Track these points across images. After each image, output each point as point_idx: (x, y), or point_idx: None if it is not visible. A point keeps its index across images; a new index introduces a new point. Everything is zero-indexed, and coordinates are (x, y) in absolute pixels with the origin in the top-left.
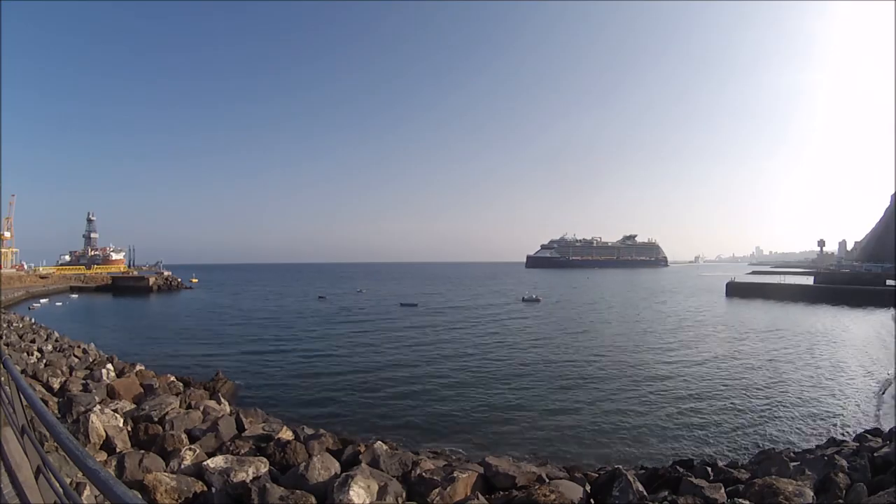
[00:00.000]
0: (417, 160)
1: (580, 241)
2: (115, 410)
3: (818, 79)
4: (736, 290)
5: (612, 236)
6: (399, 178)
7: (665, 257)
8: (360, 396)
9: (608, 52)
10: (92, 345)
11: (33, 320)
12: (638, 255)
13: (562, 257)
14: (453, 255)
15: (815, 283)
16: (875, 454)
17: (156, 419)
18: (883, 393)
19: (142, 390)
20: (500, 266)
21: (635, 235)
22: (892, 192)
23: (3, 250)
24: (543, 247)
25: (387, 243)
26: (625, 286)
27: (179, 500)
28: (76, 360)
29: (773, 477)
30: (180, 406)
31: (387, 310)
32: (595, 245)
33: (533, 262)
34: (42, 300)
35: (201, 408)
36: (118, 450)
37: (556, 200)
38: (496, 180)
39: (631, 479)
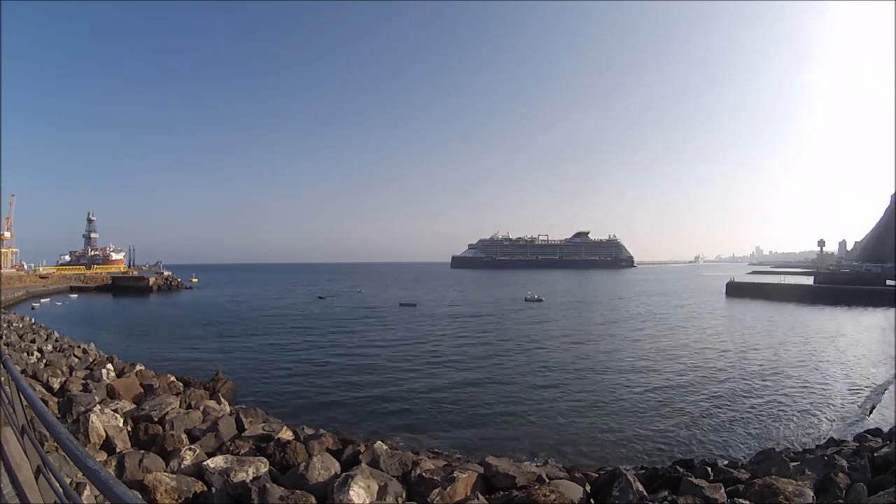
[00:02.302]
0: (417, 160)
1: (510, 239)
2: (115, 410)
3: (818, 79)
4: (736, 290)
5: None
6: (399, 178)
7: (630, 257)
8: (360, 396)
9: (608, 52)
10: (92, 345)
11: (33, 320)
12: (589, 255)
13: (487, 257)
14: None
15: (815, 283)
16: (875, 454)
17: (156, 419)
18: (882, 393)
19: (142, 390)
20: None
21: (587, 232)
22: (892, 192)
23: (3, 250)
24: (471, 246)
25: (387, 243)
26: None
27: (179, 500)
28: (76, 360)
29: (773, 477)
30: (180, 406)
31: (386, 310)
32: (532, 244)
33: (458, 262)
34: (42, 300)
35: (201, 408)
36: (118, 450)
37: (556, 201)
38: (496, 180)
39: (631, 479)
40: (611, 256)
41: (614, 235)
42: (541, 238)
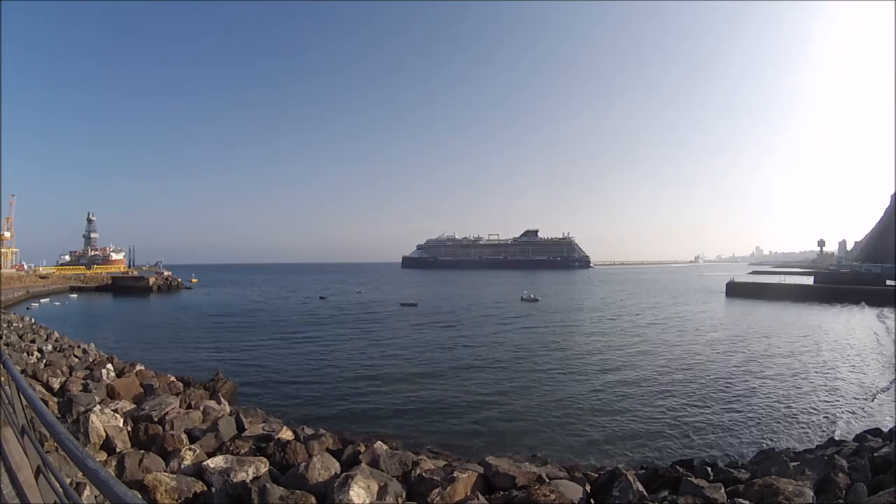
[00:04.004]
0: (415, 159)
1: (453, 239)
2: (115, 410)
3: (817, 79)
4: (736, 290)
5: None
6: (401, 178)
7: (585, 257)
8: (360, 396)
9: (606, 52)
10: (92, 345)
11: (33, 320)
12: (537, 255)
13: (431, 258)
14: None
15: (815, 283)
16: (875, 454)
17: (156, 419)
18: (882, 393)
19: (142, 390)
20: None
21: (536, 231)
22: (892, 192)
23: (3, 250)
24: (419, 247)
25: (386, 243)
26: None
27: (179, 500)
28: (76, 360)
29: (773, 477)
30: (180, 406)
31: (387, 309)
32: (476, 244)
33: (408, 262)
34: (42, 300)
35: (201, 408)
36: (118, 450)
37: (555, 200)
38: (494, 180)
39: (631, 479)
40: (561, 256)
41: (568, 233)
42: (490, 237)
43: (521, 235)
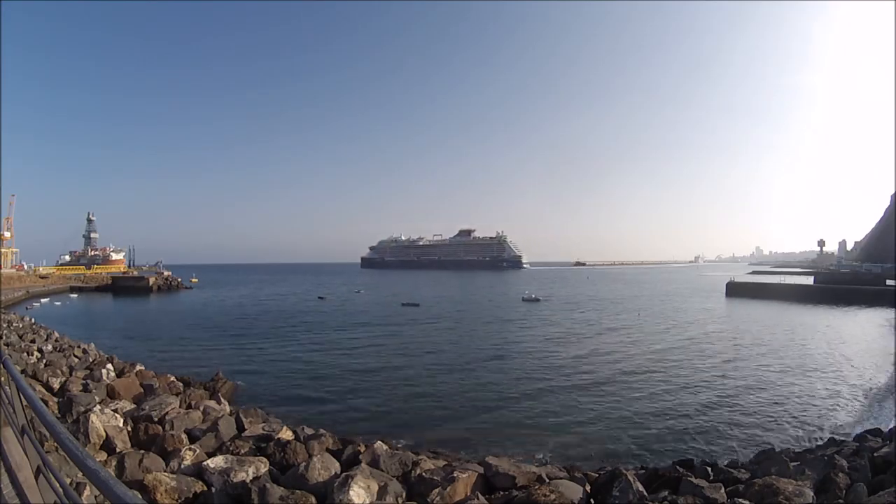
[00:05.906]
0: (415, 159)
1: (396, 241)
2: (115, 410)
3: (817, 79)
4: (736, 290)
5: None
6: (401, 178)
7: (516, 257)
8: (360, 396)
9: (606, 52)
10: (92, 345)
11: (33, 320)
12: (469, 255)
13: (378, 258)
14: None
15: (815, 283)
16: (875, 454)
17: (156, 419)
18: (882, 393)
19: (142, 390)
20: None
21: (471, 231)
22: (892, 192)
23: (3, 250)
24: (371, 248)
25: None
26: None
27: (179, 500)
28: (76, 360)
29: (773, 477)
30: (180, 406)
31: (388, 309)
32: (415, 245)
33: (365, 262)
34: (42, 300)
35: (201, 408)
36: (118, 450)
37: (555, 200)
38: (494, 180)
39: (631, 479)
40: (491, 256)
41: (502, 232)
42: (434, 237)
43: (456, 235)
